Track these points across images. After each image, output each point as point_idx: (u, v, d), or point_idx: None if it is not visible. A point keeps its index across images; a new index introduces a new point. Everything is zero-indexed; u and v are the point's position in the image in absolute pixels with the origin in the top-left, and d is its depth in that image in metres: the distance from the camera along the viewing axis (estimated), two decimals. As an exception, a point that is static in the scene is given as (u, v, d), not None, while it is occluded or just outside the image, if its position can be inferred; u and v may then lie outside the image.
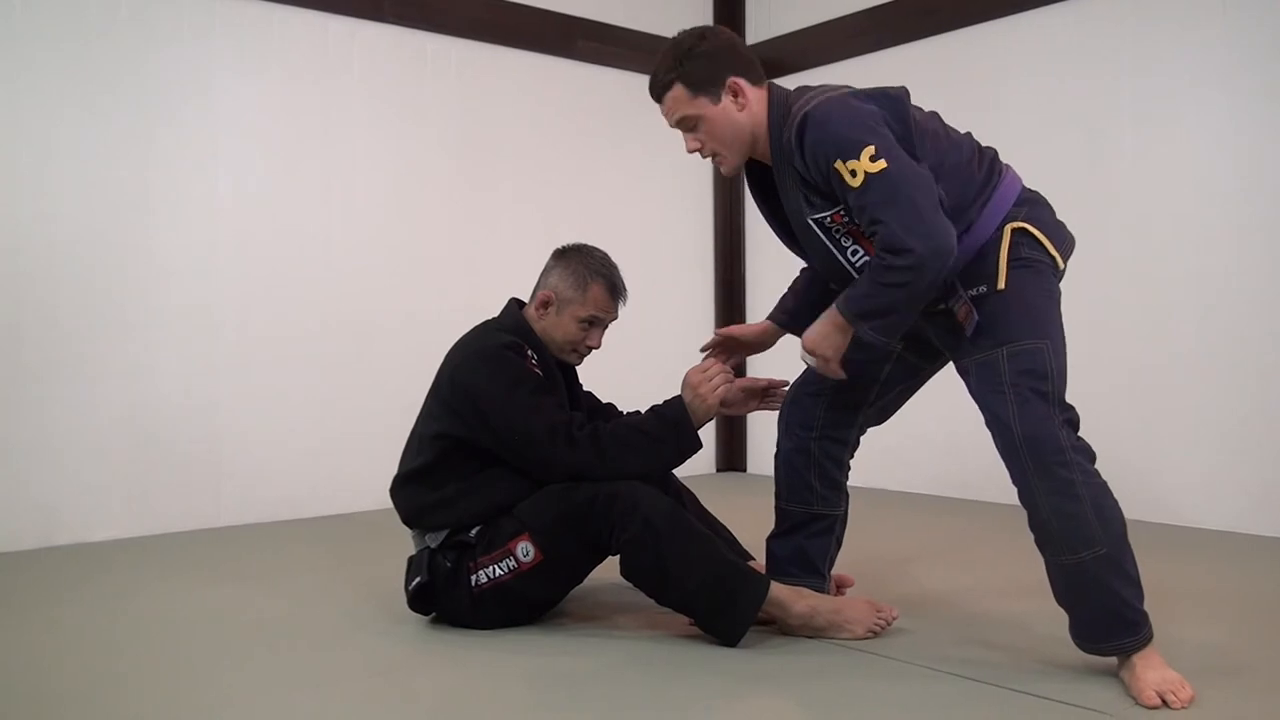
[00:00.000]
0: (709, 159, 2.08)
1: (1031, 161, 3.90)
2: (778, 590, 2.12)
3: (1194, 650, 2.02)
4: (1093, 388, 3.65)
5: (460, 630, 2.21)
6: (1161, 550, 2.96)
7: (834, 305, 1.91)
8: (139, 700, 1.84)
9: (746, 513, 3.89)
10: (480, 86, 4.21)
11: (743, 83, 1.99)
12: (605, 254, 2.34)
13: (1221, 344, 3.36)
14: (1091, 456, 1.82)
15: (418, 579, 2.21)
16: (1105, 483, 1.81)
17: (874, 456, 4.39)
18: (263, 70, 3.68)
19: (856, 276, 1.94)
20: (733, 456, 4.98)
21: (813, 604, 2.14)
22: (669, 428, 2.15)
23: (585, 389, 2.54)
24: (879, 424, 2.33)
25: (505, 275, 4.07)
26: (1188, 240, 3.44)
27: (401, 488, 2.28)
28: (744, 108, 1.99)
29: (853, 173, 1.81)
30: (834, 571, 2.40)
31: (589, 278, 2.29)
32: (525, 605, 2.22)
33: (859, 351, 2.03)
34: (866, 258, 1.93)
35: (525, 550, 2.12)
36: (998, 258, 1.88)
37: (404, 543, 2.40)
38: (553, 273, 2.34)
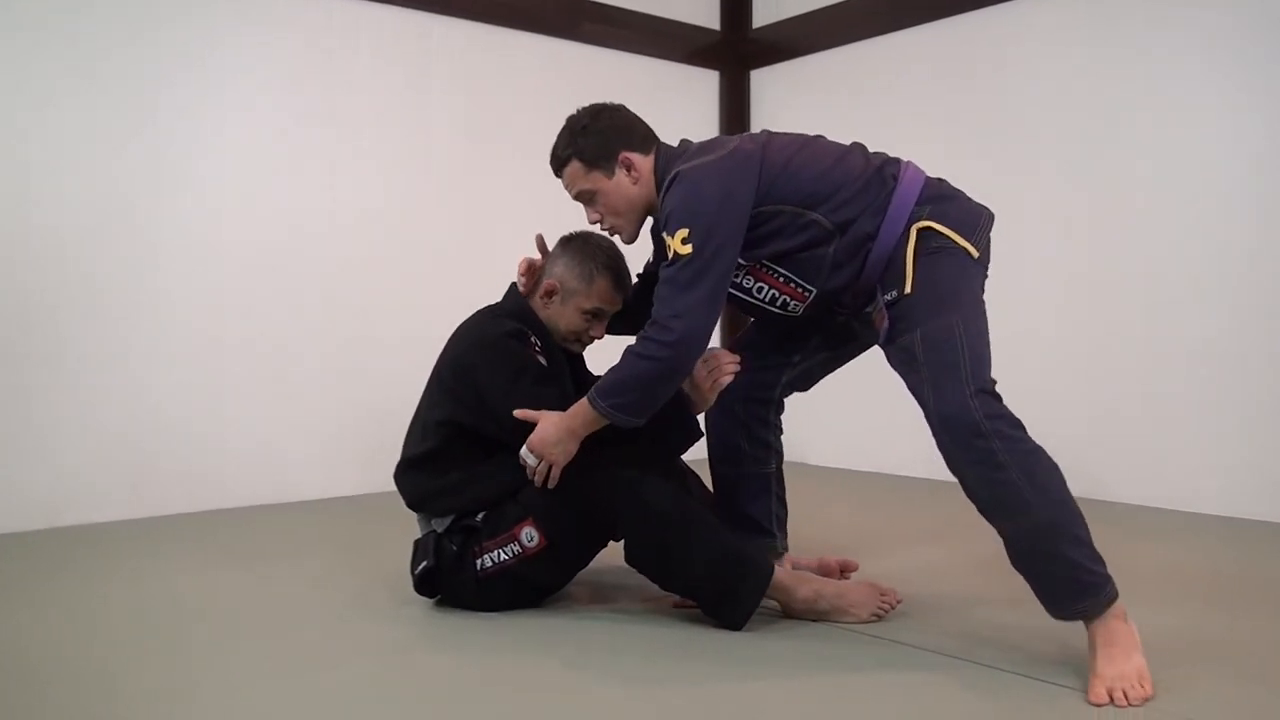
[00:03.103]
0: (609, 230, 2.19)
1: (1044, 144, 3.91)
2: (781, 575, 2.14)
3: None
4: (1103, 368, 3.66)
5: (465, 613, 2.22)
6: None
7: (580, 401, 2.00)
8: (140, 682, 1.86)
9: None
10: (485, 69, 4.20)
11: (634, 156, 2.11)
12: (611, 243, 2.33)
13: (1232, 328, 3.35)
14: (1015, 423, 1.82)
15: (424, 563, 2.21)
16: (1037, 448, 1.81)
17: (871, 436, 4.44)
18: (266, 53, 3.67)
19: (769, 308, 2.06)
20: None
21: (816, 588, 2.16)
22: (667, 417, 2.15)
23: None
24: (804, 390, 2.41)
25: (508, 259, 4.07)
26: (1201, 222, 3.42)
27: (405, 473, 2.28)
28: (637, 180, 2.11)
29: (668, 246, 1.94)
30: (838, 557, 2.41)
31: (595, 270, 2.28)
32: (530, 589, 2.23)
33: (779, 321, 2.13)
34: (773, 291, 2.04)
35: (529, 535, 2.12)
36: (904, 261, 1.92)
37: (409, 525, 2.41)
38: (558, 261, 2.33)
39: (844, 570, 2.42)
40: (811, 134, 2.12)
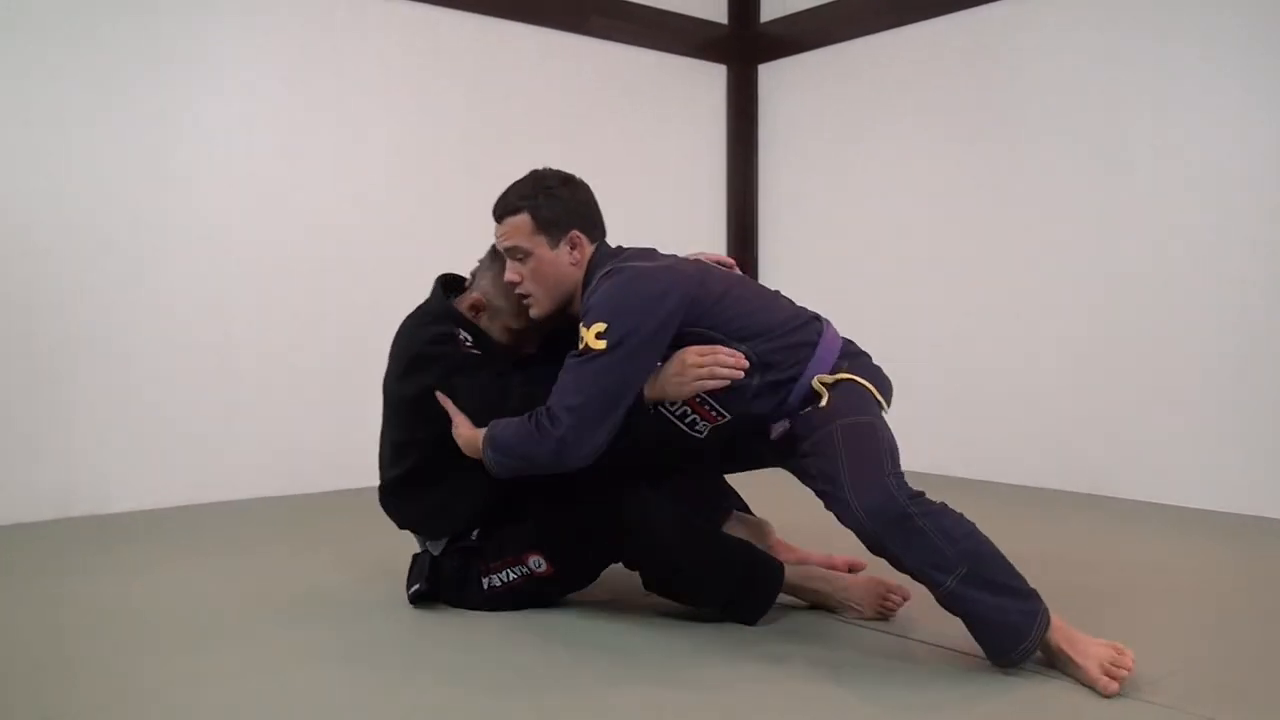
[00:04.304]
0: (522, 297, 2.09)
1: (1052, 143, 3.90)
2: (790, 576, 2.16)
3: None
4: (1114, 367, 3.65)
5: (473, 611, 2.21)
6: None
7: (482, 431, 1.99)
8: (148, 671, 1.86)
9: (756, 493, 3.89)
10: (492, 63, 4.19)
11: (583, 239, 2.06)
12: None
13: (1237, 328, 3.33)
14: (920, 493, 1.84)
15: (416, 586, 2.19)
16: (942, 505, 1.83)
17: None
18: (271, 46, 3.67)
19: (678, 423, 2.00)
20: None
21: (820, 587, 2.18)
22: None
23: None
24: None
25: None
26: (1209, 224, 3.40)
27: (388, 499, 2.23)
28: (576, 263, 2.06)
29: (582, 338, 1.90)
30: (845, 556, 2.41)
31: None
32: (541, 598, 2.21)
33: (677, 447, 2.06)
34: (686, 407, 1.98)
35: (537, 563, 2.11)
36: (822, 391, 1.97)
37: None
38: (485, 275, 2.21)
39: (852, 569, 2.42)
40: (742, 276, 2.17)
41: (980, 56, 4.03)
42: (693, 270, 2.01)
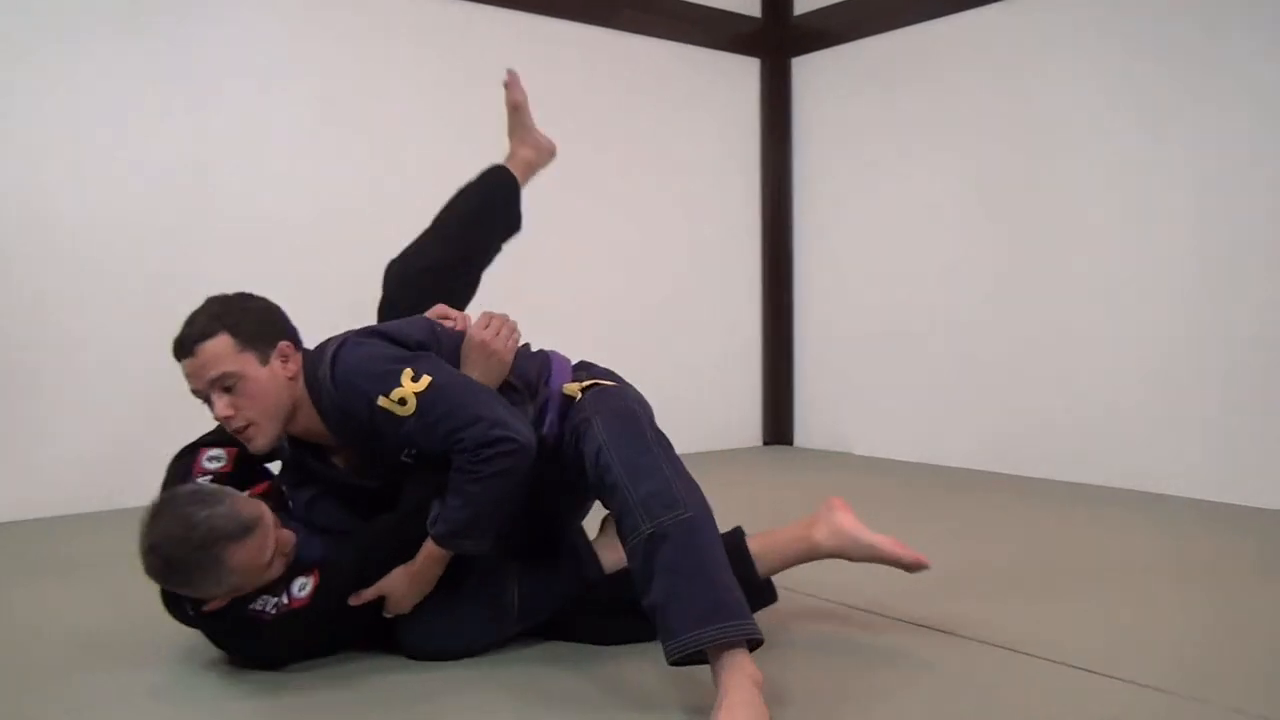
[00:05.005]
0: (238, 429, 1.79)
1: (1084, 138, 3.84)
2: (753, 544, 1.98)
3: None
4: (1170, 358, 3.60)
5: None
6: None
7: (422, 549, 1.77)
8: (163, 655, 1.85)
9: (795, 489, 3.90)
10: (523, 58, 4.18)
11: (291, 348, 1.83)
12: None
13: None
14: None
15: None
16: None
17: (916, 426, 4.40)
18: (304, 45, 3.69)
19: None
20: (780, 429, 4.95)
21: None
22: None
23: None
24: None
25: (549, 247, 4.08)
26: (1247, 218, 3.34)
27: None
28: (293, 375, 1.81)
29: (401, 401, 1.71)
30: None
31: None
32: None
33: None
34: None
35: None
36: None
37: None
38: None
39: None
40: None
41: (1019, 49, 3.97)
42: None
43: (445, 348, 1.89)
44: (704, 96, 4.74)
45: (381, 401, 1.72)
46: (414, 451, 1.78)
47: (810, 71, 4.82)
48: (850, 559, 1.96)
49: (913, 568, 1.93)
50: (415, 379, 1.72)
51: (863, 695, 1.69)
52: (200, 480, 1.86)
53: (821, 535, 1.96)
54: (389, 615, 1.82)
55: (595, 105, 4.36)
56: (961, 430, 4.15)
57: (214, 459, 1.89)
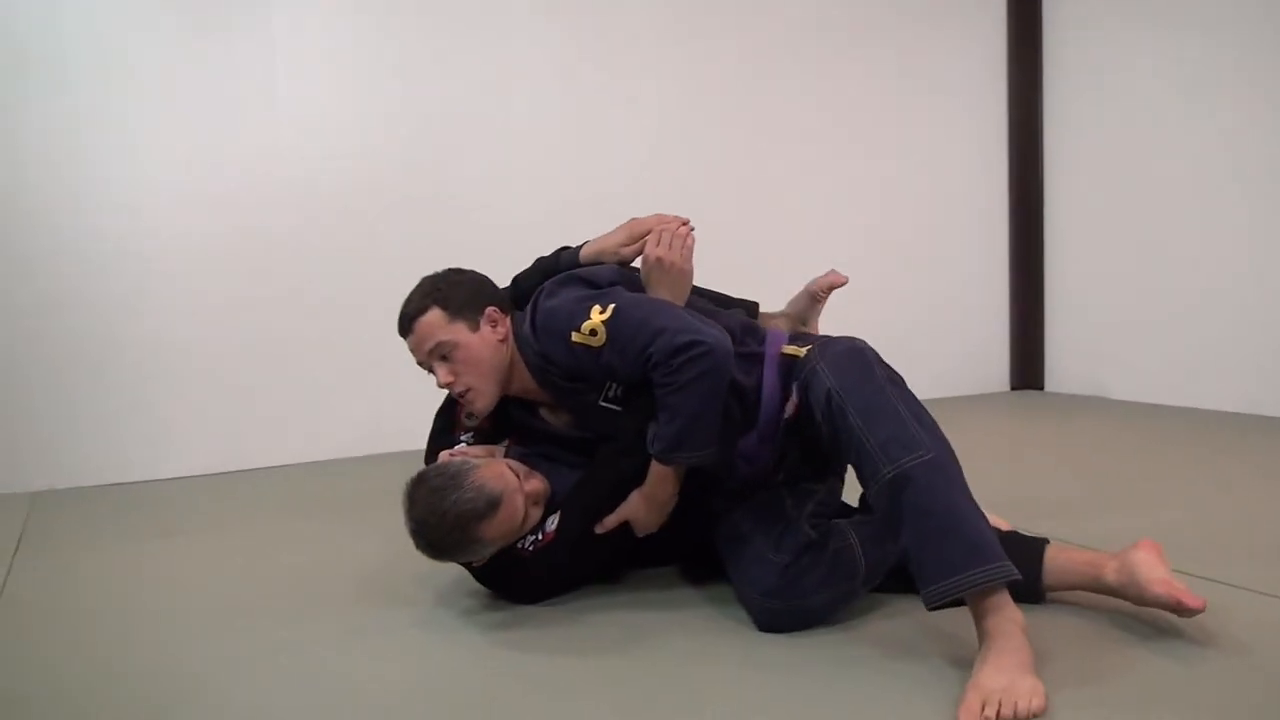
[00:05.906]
0: (460, 393, 1.91)
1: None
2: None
3: None
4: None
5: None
6: None
7: (650, 471, 1.83)
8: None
9: (1045, 436, 3.72)
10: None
11: (499, 314, 1.93)
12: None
13: None
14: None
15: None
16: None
17: (1176, 369, 4.05)
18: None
19: None
20: (1028, 373, 4.71)
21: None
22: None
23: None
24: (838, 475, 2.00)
25: (788, 179, 4.02)
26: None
27: None
28: (503, 338, 1.92)
29: (592, 332, 1.79)
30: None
31: None
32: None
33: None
34: None
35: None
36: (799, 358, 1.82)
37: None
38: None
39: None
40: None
41: None
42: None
43: (636, 282, 1.94)
44: (948, 15, 4.50)
45: (575, 337, 1.82)
46: (619, 390, 1.87)
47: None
48: (1128, 600, 1.72)
49: (1185, 613, 1.64)
50: (602, 310, 1.80)
51: (1131, 641, 1.64)
52: (461, 439, 2.02)
53: (1112, 569, 1.73)
54: (640, 535, 1.91)
55: (835, 27, 4.28)
56: (1231, 372, 3.82)
57: (471, 415, 2.01)
